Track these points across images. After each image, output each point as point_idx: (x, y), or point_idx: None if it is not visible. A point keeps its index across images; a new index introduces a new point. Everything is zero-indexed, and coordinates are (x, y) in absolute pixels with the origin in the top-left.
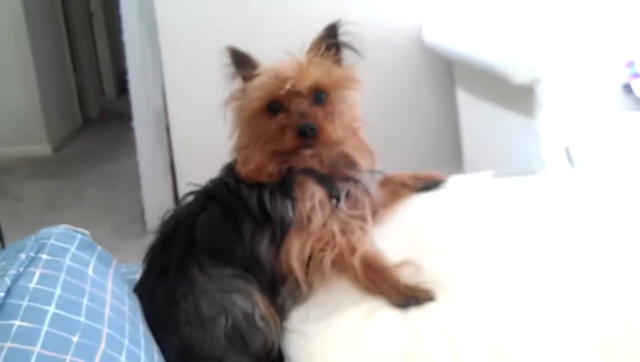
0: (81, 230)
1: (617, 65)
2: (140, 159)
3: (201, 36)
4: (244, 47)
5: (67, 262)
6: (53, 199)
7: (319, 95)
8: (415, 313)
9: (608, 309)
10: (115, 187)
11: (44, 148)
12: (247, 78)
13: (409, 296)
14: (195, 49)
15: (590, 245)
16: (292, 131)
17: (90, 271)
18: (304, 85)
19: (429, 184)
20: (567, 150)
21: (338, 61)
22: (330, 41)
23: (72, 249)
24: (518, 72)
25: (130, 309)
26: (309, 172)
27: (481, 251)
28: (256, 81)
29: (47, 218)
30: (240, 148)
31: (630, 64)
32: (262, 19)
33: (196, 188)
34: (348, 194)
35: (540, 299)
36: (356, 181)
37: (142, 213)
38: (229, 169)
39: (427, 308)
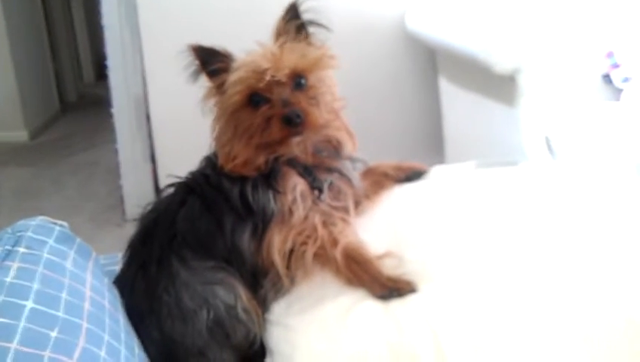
0: (59, 222)
1: (597, 55)
2: (119, 146)
3: (182, 22)
4: (226, 34)
5: (45, 255)
6: (30, 187)
7: (299, 80)
8: (397, 305)
9: (590, 301)
10: (94, 175)
11: (20, 135)
12: (221, 71)
13: (391, 288)
14: (175, 35)
15: (571, 237)
16: (278, 121)
17: (68, 265)
18: (282, 73)
19: (411, 175)
20: (547, 139)
21: (308, 41)
22: (295, 21)
23: (50, 241)
24: (500, 61)
25: (110, 303)
26: (293, 163)
27: (464, 243)
28: (234, 76)
29: (24, 206)
30: (223, 144)
31: (610, 54)
32: (244, 8)
33: (176, 181)
34: (330, 185)
35: (523, 291)
36: (339, 172)
37: (121, 201)
38: (209, 161)
39: (409, 300)
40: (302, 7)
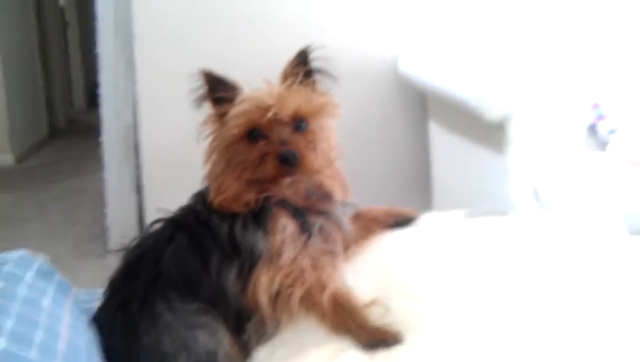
0: (40, 256)
1: (583, 106)
2: (106, 175)
3: (178, 55)
4: (220, 68)
5: (22, 291)
6: (12, 213)
7: (300, 123)
8: (383, 356)
9: (580, 351)
10: (79, 203)
11: (6, 159)
12: (225, 101)
13: (377, 338)
14: (170, 67)
15: (559, 290)
16: (273, 158)
17: (46, 301)
18: (285, 113)
19: (401, 220)
20: (534, 189)
21: (314, 87)
22: (304, 67)
23: (30, 276)
24: (490, 109)
25: (87, 344)
26: (284, 204)
27: (452, 294)
28: (237, 109)
29: (5, 233)
30: (215, 176)
31: (596, 106)
32: (238, 42)
33: (164, 216)
34: (320, 229)
35: (511, 345)
36: (329, 215)
37: (104, 231)
38: (201, 197)
39: (395, 352)
40: (312, 55)
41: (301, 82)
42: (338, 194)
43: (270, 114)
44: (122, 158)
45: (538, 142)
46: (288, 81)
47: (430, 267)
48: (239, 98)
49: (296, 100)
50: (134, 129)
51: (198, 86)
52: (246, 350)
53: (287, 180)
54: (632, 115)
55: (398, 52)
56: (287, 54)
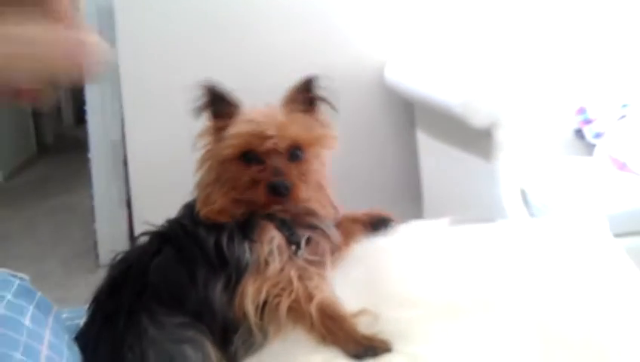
0: (19, 274)
1: (569, 111)
2: (94, 191)
3: (163, 69)
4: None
5: (1, 310)
6: (1, 230)
7: (296, 152)
8: None
9: (567, 354)
10: (68, 219)
11: None
12: (224, 115)
13: (366, 346)
14: (156, 81)
15: (548, 295)
16: (264, 187)
17: (26, 321)
18: (284, 143)
19: (380, 222)
20: (523, 193)
21: (315, 116)
22: (307, 94)
23: (9, 296)
24: (477, 116)
25: None
26: (271, 217)
27: (440, 302)
28: (236, 128)
29: None
30: (204, 186)
31: (582, 110)
32: (223, 57)
33: (151, 229)
34: (308, 241)
35: (498, 351)
36: (317, 227)
37: (94, 247)
38: (189, 208)
39: (383, 360)
40: (316, 83)
41: (303, 109)
42: (326, 216)
43: (269, 143)
44: (110, 173)
45: (525, 148)
46: (290, 107)
47: (418, 275)
48: (240, 117)
49: (296, 130)
50: (122, 144)
51: (198, 97)
52: None
53: (276, 208)
54: (617, 118)
55: (385, 61)
56: (272, 67)
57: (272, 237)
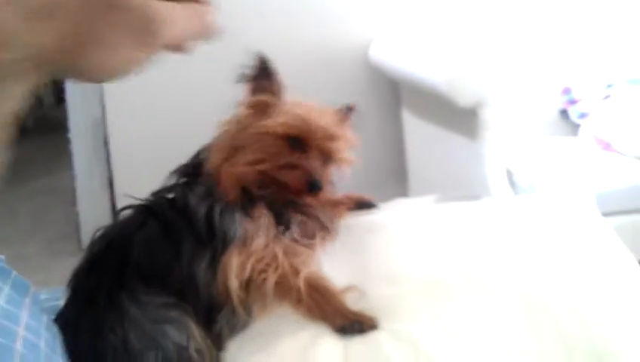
0: None
1: (555, 91)
2: (76, 172)
3: None
4: (186, 57)
5: None
6: None
7: (330, 159)
8: (358, 342)
9: (557, 337)
10: (50, 202)
11: None
12: (266, 92)
13: (353, 320)
14: None
15: (535, 272)
16: (303, 177)
17: (1, 301)
18: (329, 147)
19: (361, 206)
20: (508, 172)
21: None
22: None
23: None
24: (462, 95)
25: (47, 344)
26: (267, 199)
27: (426, 279)
28: (295, 110)
29: None
30: (226, 148)
31: (567, 91)
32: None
33: (135, 203)
34: (300, 223)
35: (485, 328)
36: (312, 214)
37: (77, 229)
38: (181, 173)
39: (370, 338)
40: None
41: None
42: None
43: (322, 140)
44: (92, 153)
45: (510, 128)
46: (339, 118)
47: (402, 252)
48: (292, 101)
49: (342, 144)
50: (103, 122)
51: (247, 66)
52: (218, 342)
53: (297, 200)
54: (602, 99)
55: (370, 39)
56: (255, 46)
57: (263, 215)
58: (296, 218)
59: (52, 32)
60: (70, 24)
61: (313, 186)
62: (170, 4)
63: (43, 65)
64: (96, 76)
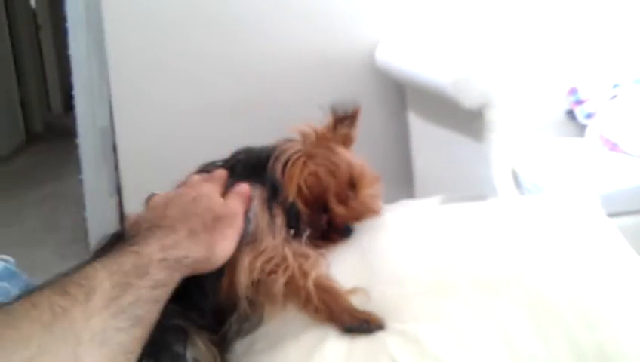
0: (4, 257)
1: (561, 92)
2: (84, 178)
3: (151, 53)
4: (192, 66)
5: None
6: None
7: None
8: (363, 342)
9: (565, 338)
10: (59, 207)
11: None
12: (339, 130)
13: (361, 320)
14: (144, 66)
15: (541, 271)
16: (340, 225)
17: None
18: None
19: None
20: (514, 174)
21: None
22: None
23: None
24: (468, 96)
25: None
26: None
27: (432, 280)
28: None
29: None
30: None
31: (573, 91)
32: (210, 42)
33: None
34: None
35: (492, 330)
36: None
37: (85, 234)
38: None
39: (376, 339)
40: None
41: None
42: None
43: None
44: (99, 160)
45: (517, 129)
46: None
47: (410, 253)
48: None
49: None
50: (111, 129)
51: (342, 105)
52: (224, 344)
53: (325, 243)
54: (608, 99)
55: (376, 42)
56: (261, 49)
57: (278, 214)
58: (307, 230)
59: (199, 246)
60: (206, 239)
61: (347, 233)
62: (229, 199)
63: (194, 265)
64: (218, 263)
